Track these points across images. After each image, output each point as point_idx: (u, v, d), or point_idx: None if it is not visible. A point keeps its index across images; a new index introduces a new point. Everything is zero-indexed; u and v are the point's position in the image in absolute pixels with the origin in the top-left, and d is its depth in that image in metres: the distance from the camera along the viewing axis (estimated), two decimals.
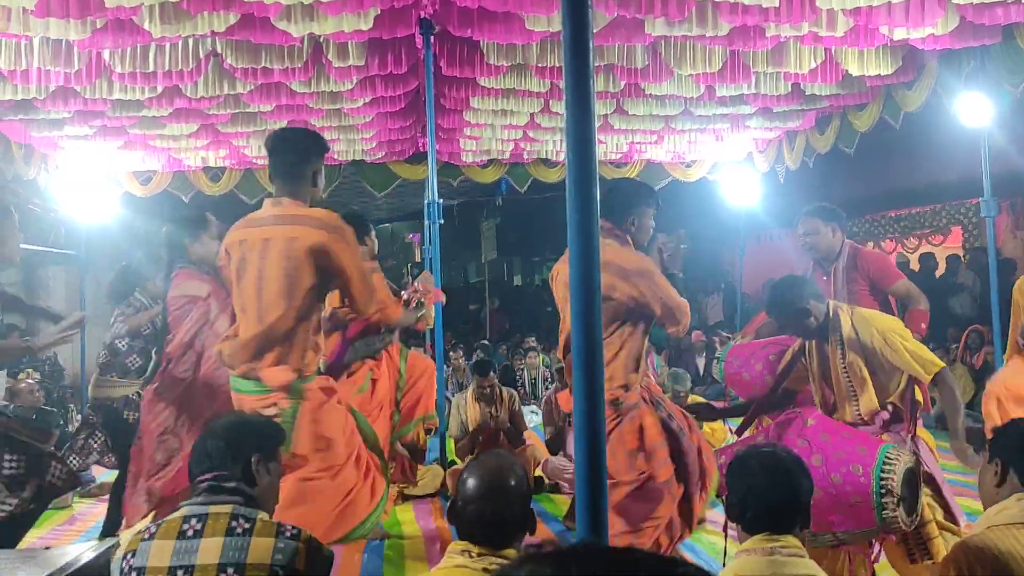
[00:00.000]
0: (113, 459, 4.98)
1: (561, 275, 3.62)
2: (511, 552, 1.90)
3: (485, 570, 1.85)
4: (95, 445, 4.97)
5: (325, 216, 3.10)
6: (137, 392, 4.88)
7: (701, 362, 10.78)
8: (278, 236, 3.05)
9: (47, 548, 1.20)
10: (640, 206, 3.58)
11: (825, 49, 6.06)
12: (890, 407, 3.29)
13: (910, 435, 3.30)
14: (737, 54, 6.11)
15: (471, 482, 1.91)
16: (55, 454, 3.62)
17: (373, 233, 4.68)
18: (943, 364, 3.23)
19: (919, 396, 3.36)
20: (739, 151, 9.51)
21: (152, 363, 4.96)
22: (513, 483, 1.92)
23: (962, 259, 11.60)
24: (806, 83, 6.67)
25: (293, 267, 3.01)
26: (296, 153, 3.18)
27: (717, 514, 5.38)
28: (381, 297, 3.58)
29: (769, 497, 1.95)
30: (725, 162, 9.72)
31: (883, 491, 2.85)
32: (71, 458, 4.99)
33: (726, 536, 2.20)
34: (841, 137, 7.84)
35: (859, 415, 3.27)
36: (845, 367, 3.27)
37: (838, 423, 3.20)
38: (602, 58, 6.01)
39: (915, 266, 12.01)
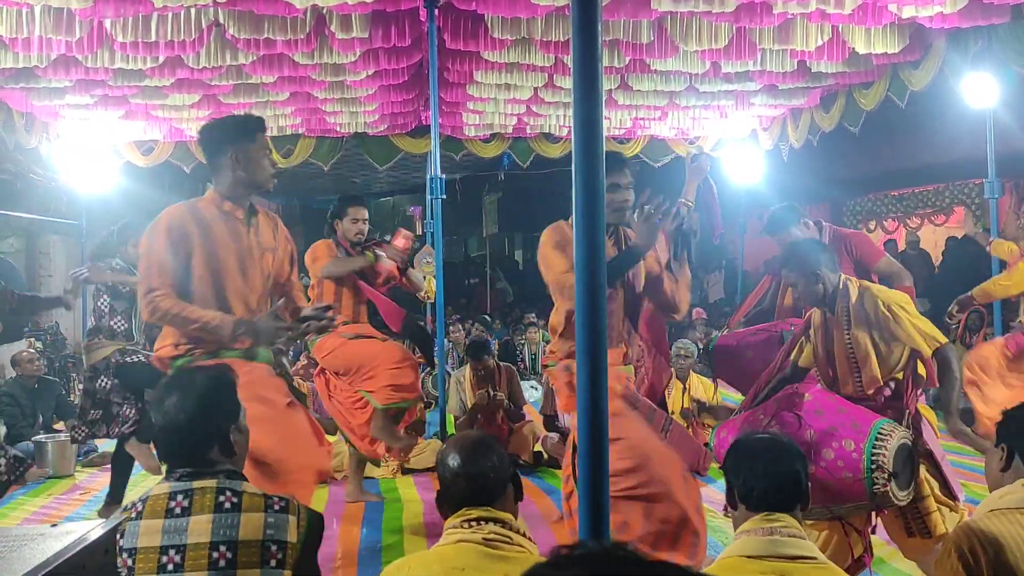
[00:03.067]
0: (117, 429, 5.01)
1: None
2: (506, 515, 1.94)
3: (485, 540, 1.88)
4: (99, 416, 5.00)
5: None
6: (119, 351, 4.92)
7: (700, 339, 10.78)
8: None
9: (53, 525, 1.21)
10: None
11: (832, 26, 6.00)
12: (892, 382, 3.30)
13: (911, 411, 3.31)
14: (743, 31, 6.06)
15: (448, 455, 2.02)
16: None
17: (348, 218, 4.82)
18: (947, 340, 3.23)
19: (922, 372, 3.37)
20: (743, 128, 9.47)
21: (136, 326, 5.01)
22: (488, 446, 2.03)
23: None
24: (812, 60, 6.62)
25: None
26: (207, 148, 3.24)
27: (710, 490, 5.42)
28: None
29: (768, 482, 1.97)
30: (729, 139, 9.67)
31: (874, 467, 2.89)
32: (81, 431, 5.03)
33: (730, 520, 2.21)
34: (846, 115, 7.79)
35: (861, 389, 3.29)
36: (849, 339, 3.28)
37: (836, 398, 3.22)
38: (607, 33, 5.96)
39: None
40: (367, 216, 5.06)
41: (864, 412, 3.08)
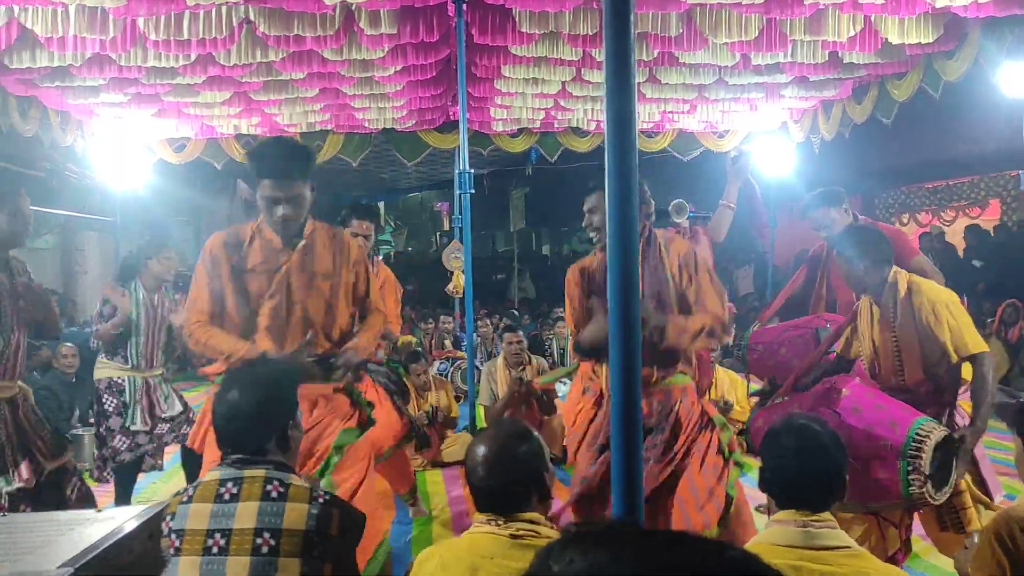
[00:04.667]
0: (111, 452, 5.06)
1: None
2: (533, 515, 1.94)
3: (512, 536, 1.89)
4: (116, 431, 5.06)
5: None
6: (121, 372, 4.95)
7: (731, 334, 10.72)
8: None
9: (99, 510, 1.24)
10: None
11: (864, 17, 5.93)
12: (935, 378, 3.24)
13: (951, 408, 3.26)
14: (774, 22, 6.00)
15: (476, 451, 1.99)
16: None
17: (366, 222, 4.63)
18: (984, 348, 3.16)
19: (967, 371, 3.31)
20: (773, 121, 9.38)
21: (138, 349, 4.98)
22: (519, 448, 1.96)
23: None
24: (844, 51, 6.53)
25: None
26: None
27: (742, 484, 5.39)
28: None
29: (804, 473, 1.95)
30: (759, 132, 9.59)
31: (911, 469, 2.83)
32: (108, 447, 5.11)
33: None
34: (879, 107, 7.69)
35: (903, 382, 3.24)
36: (895, 333, 3.24)
37: (876, 393, 3.16)
38: (636, 26, 5.92)
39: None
40: (371, 227, 4.70)
41: (902, 409, 3.01)
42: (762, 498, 2.24)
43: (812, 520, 1.88)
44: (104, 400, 4.90)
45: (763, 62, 6.84)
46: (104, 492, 5.00)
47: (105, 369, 4.94)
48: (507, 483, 1.93)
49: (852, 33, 6.01)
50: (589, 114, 8.89)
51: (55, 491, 3.37)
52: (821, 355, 3.64)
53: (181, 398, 5.17)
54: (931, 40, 6.00)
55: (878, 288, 3.29)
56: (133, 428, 4.88)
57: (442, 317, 10.75)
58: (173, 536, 1.94)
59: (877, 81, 7.59)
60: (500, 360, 6.67)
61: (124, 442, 4.89)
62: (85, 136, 8.50)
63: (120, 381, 4.90)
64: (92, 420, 5.11)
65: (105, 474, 4.99)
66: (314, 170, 3.19)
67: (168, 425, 5.02)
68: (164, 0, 5.10)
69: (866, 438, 2.91)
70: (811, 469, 1.95)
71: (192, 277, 3.12)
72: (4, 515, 1.33)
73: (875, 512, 3.06)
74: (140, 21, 5.58)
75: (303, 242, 3.10)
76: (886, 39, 6.05)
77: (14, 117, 7.06)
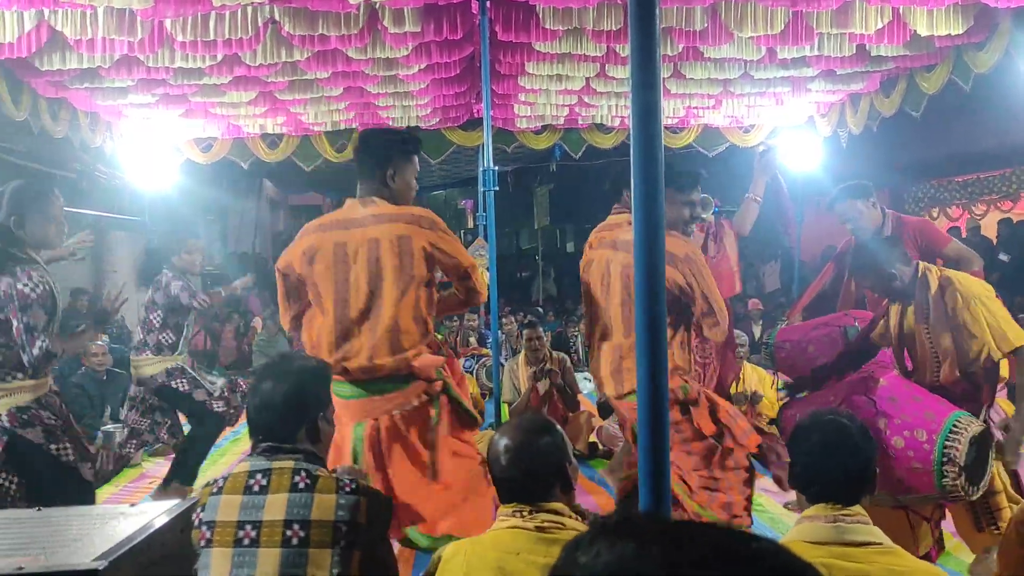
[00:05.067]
0: (164, 436, 5.16)
1: (596, 263, 3.48)
2: (558, 505, 1.94)
3: (538, 528, 1.89)
4: (144, 427, 5.15)
5: (423, 213, 3.17)
6: (166, 372, 5.03)
7: (757, 330, 10.67)
8: (384, 235, 3.05)
9: (132, 505, 1.25)
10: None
11: (892, 8, 5.85)
12: (971, 375, 3.18)
13: (988, 404, 3.21)
14: (800, 15, 5.94)
15: (498, 442, 2.01)
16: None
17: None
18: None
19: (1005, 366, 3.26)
20: (800, 115, 9.29)
21: (183, 338, 5.12)
22: (540, 439, 1.98)
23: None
24: (872, 44, 6.45)
25: (410, 264, 3.03)
26: (368, 155, 3.21)
27: (769, 482, 5.35)
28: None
29: (833, 468, 1.93)
30: (785, 127, 9.50)
31: (945, 459, 2.81)
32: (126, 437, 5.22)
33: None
34: (907, 100, 7.59)
35: (938, 380, 3.19)
36: (927, 330, 3.19)
37: (912, 386, 3.12)
38: (660, 21, 5.89)
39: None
40: None
41: (940, 403, 2.98)
42: (791, 495, 2.23)
43: (843, 514, 1.86)
44: (173, 386, 5.02)
45: (789, 56, 6.78)
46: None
47: (151, 367, 5.06)
48: (529, 472, 1.94)
49: (880, 25, 5.93)
50: (613, 110, 8.85)
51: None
52: (851, 354, 3.60)
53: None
54: (961, 31, 5.91)
55: (908, 289, 3.24)
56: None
57: (467, 315, 10.77)
58: (204, 528, 1.96)
59: (906, 74, 7.49)
60: (521, 357, 6.67)
61: (168, 438, 5.04)
62: (114, 137, 8.60)
63: (178, 367, 5.10)
64: (125, 411, 5.22)
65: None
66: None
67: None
68: (191, 1, 5.14)
69: (902, 427, 2.89)
70: (840, 463, 1.93)
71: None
72: (39, 510, 1.35)
73: (905, 506, 3.02)
74: (167, 22, 5.63)
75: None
76: (915, 31, 5.96)
77: (45, 119, 7.16)
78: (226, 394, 5.18)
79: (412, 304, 3.03)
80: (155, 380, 5.04)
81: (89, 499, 3.41)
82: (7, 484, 3.30)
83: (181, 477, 5.06)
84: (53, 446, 3.32)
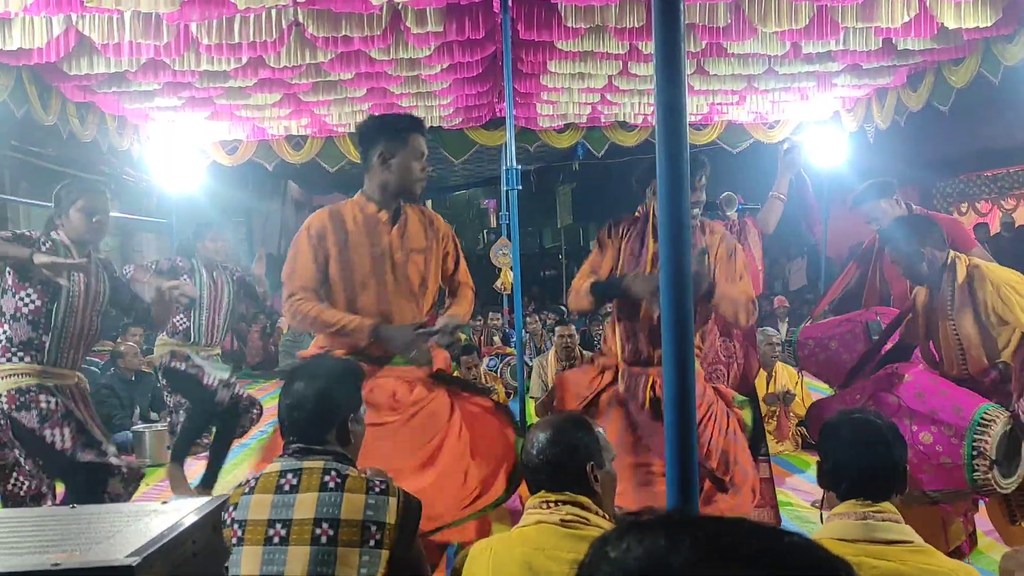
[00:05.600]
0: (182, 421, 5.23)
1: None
2: (584, 499, 1.96)
3: (563, 521, 1.90)
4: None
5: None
6: (171, 353, 5.10)
7: (784, 328, 10.59)
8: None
9: (164, 502, 1.27)
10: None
11: (919, 1, 5.78)
12: (1000, 365, 3.13)
13: (1020, 395, 3.16)
14: (825, 9, 5.89)
15: (534, 432, 2.07)
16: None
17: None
18: None
19: None
20: (825, 110, 9.20)
21: (199, 326, 5.17)
22: (576, 432, 2.03)
23: None
24: (898, 38, 6.38)
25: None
26: (362, 144, 3.22)
27: (799, 481, 5.32)
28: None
29: (862, 465, 1.91)
30: (810, 122, 9.42)
31: (975, 453, 2.77)
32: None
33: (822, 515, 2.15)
34: (935, 94, 7.50)
35: (966, 371, 3.14)
36: (953, 321, 3.14)
37: (939, 379, 3.08)
38: (684, 17, 5.86)
39: None
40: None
41: (968, 395, 2.94)
42: (818, 493, 2.21)
43: (872, 511, 1.84)
44: (174, 367, 5.07)
45: (814, 50, 6.72)
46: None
47: (163, 347, 5.12)
48: (558, 461, 1.97)
49: (906, 18, 5.86)
50: (636, 108, 8.82)
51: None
52: (880, 347, 3.56)
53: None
54: (989, 24, 5.83)
55: (935, 275, 3.20)
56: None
57: (491, 314, 10.79)
58: (235, 526, 1.99)
59: (933, 67, 7.40)
60: (551, 354, 6.69)
61: (182, 421, 5.11)
62: (141, 140, 8.70)
63: (182, 350, 5.12)
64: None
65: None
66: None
67: None
68: (216, 4, 5.19)
69: (929, 422, 2.85)
70: (869, 459, 1.91)
71: (290, 253, 3.16)
72: (73, 507, 1.38)
73: (937, 501, 2.98)
74: (193, 26, 5.69)
75: (403, 216, 3.18)
76: (942, 24, 5.89)
77: (73, 123, 7.26)
78: (226, 385, 5.18)
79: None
80: (162, 362, 5.13)
81: (96, 488, 3.43)
82: (13, 460, 3.39)
83: (177, 454, 5.13)
84: (48, 431, 3.38)
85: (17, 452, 3.42)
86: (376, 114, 3.64)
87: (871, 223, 4.22)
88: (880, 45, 6.62)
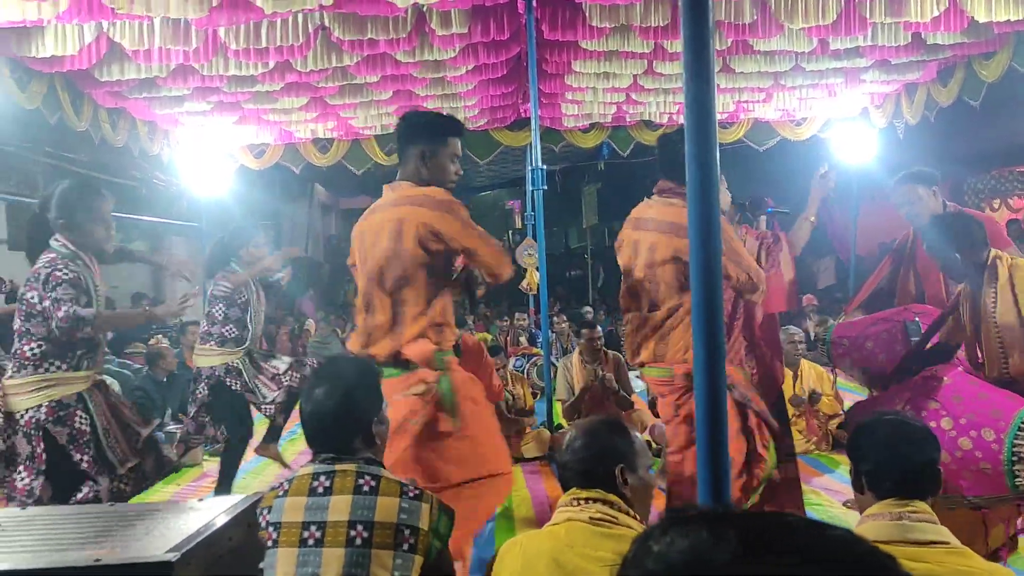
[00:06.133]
0: (222, 432, 5.21)
1: (626, 244, 3.58)
2: (614, 497, 1.98)
3: (592, 519, 1.91)
4: (206, 421, 5.20)
5: (432, 193, 3.10)
6: (238, 361, 5.07)
7: (812, 326, 10.48)
8: (389, 219, 3.08)
9: (200, 500, 1.29)
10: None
11: None
12: None
13: None
14: (853, 4, 5.83)
15: (572, 432, 2.12)
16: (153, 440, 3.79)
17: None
18: None
19: None
20: (853, 107, 9.11)
21: (249, 333, 5.15)
22: (599, 433, 2.06)
23: None
24: (927, 32, 6.30)
25: (404, 248, 3.02)
26: (400, 136, 3.26)
27: (829, 480, 5.26)
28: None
29: (896, 465, 1.89)
30: (838, 119, 9.33)
31: (1015, 458, 2.72)
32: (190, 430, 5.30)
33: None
34: (966, 88, 7.40)
35: (1007, 373, 3.09)
36: (996, 320, 3.09)
37: (978, 383, 3.03)
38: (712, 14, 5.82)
39: None
40: None
41: (1008, 399, 2.88)
42: (850, 493, 2.19)
43: (907, 511, 1.82)
44: (227, 384, 5.06)
45: (842, 46, 6.65)
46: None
47: (213, 358, 5.09)
48: (589, 458, 2.01)
49: (936, 13, 5.79)
50: (661, 107, 8.79)
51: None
52: (921, 348, 3.51)
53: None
54: (1021, 16, 5.74)
55: (976, 274, 3.14)
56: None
57: (517, 314, 10.79)
58: (270, 529, 2.00)
59: (964, 62, 7.30)
60: (576, 355, 6.67)
61: (222, 434, 5.11)
62: (171, 145, 8.81)
63: (237, 365, 5.08)
64: (196, 417, 5.27)
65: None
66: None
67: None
68: (243, 9, 5.25)
69: (968, 427, 2.81)
70: (903, 459, 1.89)
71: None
72: (112, 505, 1.40)
73: (978, 507, 2.93)
74: (221, 31, 5.76)
75: None
76: (972, 17, 5.80)
77: (105, 128, 7.37)
78: (283, 389, 5.17)
79: (408, 288, 3.05)
80: (214, 373, 5.08)
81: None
82: (22, 480, 3.42)
83: (224, 487, 5.13)
84: (76, 454, 3.41)
85: (17, 470, 3.43)
86: (419, 111, 3.66)
87: (902, 208, 4.14)
88: (909, 40, 6.55)
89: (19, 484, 3.40)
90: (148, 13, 5.17)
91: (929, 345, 3.54)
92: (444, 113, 3.82)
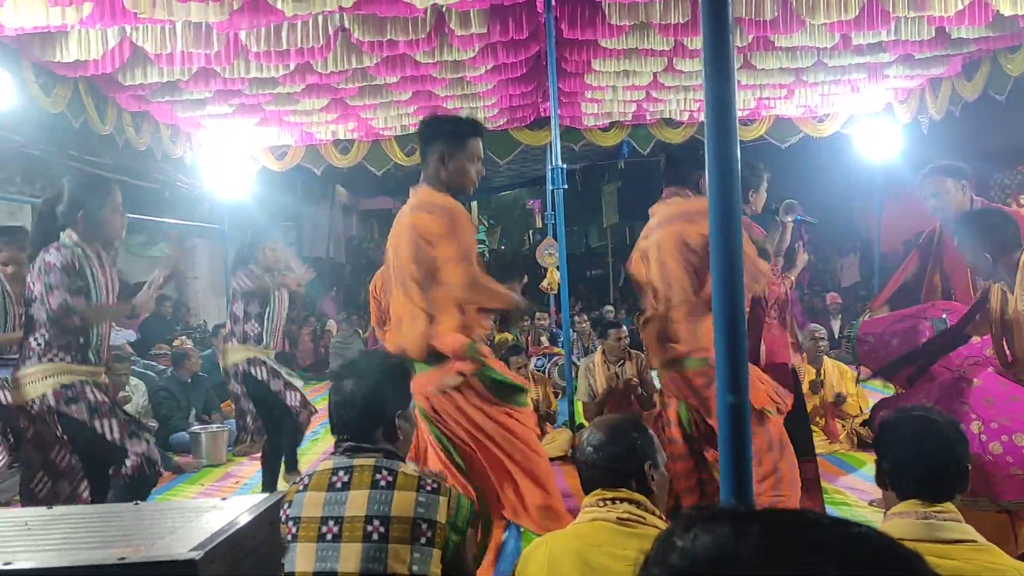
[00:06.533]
0: (253, 429, 5.30)
1: (636, 260, 3.55)
2: (640, 497, 1.98)
3: (619, 519, 1.91)
4: (249, 420, 5.29)
5: (434, 199, 3.19)
6: (262, 356, 5.17)
7: (836, 324, 10.40)
8: (406, 225, 3.19)
9: (224, 499, 1.30)
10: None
11: None
12: None
13: None
14: None
15: (588, 431, 2.13)
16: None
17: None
18: None
19: None
20: (877, 102, 9.01)
21: (268, 330, 5.24)
22: (622, 430, 2.07)
23: None
24: (952, 26, 6.22)
25: (416, 252, 3.10)
26: (421, 140, 3.34)
27: (855, 480, 5.22)
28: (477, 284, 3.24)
29: (923, 463, 1.86)
30: (861, 114, 9.24)
31: None
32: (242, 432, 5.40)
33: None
34: (991, 83, 7.30)
35: None
36: None
37: (1009, 385, 2.97)
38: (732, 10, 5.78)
39: None
40: None
41: None
42: (875, 492, 2.16)
43: (934, 511, 1.79)
44: (254, 375, 5.17)
45: (865, 41, 6.59)
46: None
47: (236, 354, 5.22)
48: (611, 458, 2.00)
49: (960, 6, 5.71)
50: (682, 104, 8.75)
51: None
52: (965, 324, 3.43)
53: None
54: None
55: (1008, 273, 3.09)
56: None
57: (538, 314, 10.78)
58: (290, 523, 2.03)
59: (989, 56, 7.20)
60: (598, 356, 6.66)
61: (255, 425, 5.21)
62: (193, 147, 8.89)
63: (262, 358, 5.22)
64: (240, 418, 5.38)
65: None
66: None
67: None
68: (264, 12, 5.28)
69: (999, 431, 2.76)
70: (930, 457, 1.86)
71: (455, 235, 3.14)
72: (136, 504, 1.41)
73: (1009, 510, 2.88)
74: (242, 34, 5.80)
75: None
76: (997, 11, 5.72)
77: (128, 132, 7.44)
78: (304, 405, 5.30)
79: (436, 287, 3.11)
80: (238, 368, 5.19)
81: (143, 482, 3.51)
82: (61, 460, 3.46)
83: (289, 466, 5.34)
84: (97, 423, 3.46)
85: (55, 453, 3.50)
86: (439, 115, 3.70)
87: (928, 200, 4.08)
88: (933, 34, 6.47)
89: (61, 465, 3.49)
90: (170, 17, 5.22)
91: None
92: (464, 115, 3.85)
